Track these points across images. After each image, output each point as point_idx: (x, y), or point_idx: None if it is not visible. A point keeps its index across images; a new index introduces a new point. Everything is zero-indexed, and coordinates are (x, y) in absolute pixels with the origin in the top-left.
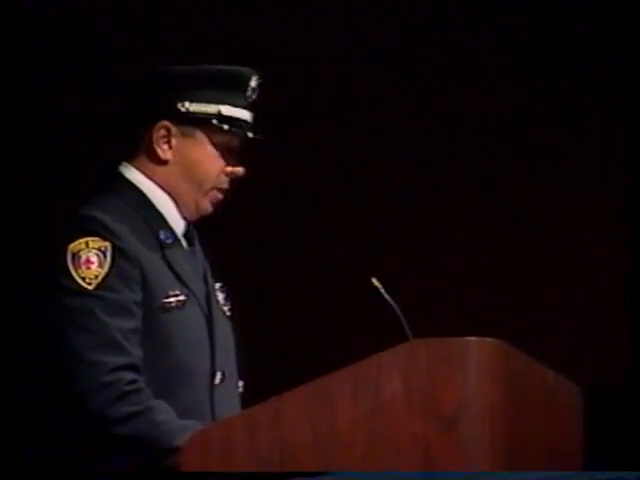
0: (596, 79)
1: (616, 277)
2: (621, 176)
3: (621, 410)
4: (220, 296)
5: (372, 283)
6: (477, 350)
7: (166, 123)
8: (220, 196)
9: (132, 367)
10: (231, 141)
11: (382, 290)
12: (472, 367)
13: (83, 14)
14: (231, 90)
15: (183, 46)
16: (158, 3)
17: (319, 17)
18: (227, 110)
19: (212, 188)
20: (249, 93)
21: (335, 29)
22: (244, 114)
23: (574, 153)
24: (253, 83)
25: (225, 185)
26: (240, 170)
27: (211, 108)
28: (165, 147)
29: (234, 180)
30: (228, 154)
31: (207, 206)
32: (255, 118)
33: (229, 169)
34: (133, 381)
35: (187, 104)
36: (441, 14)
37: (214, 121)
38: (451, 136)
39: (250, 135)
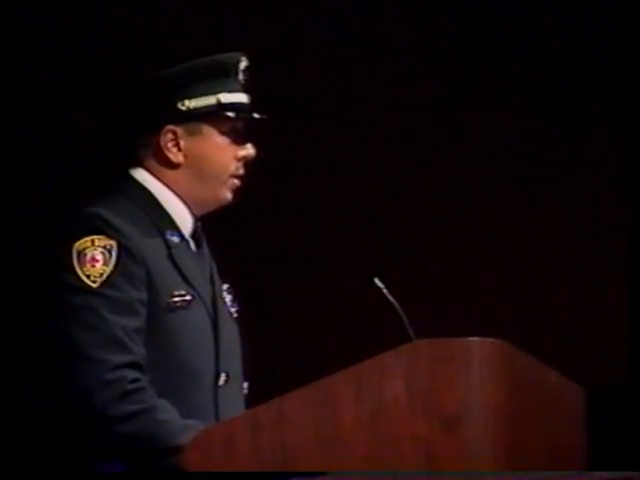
0: (597, 86)
1: (617, 277)
2: (621, 176)
3: (624, 410)
4: (227, 297)
5: (374, 283)
6: (479, 350)
7: (171, 127)
8: (238, 183)
9: (135, 365)
10: (237, 125)
11: (384, 290)
12: (475, 367)
13: (85, 19)
14: (224, 77)
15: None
16: (163, 11)
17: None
18: (225, 97)
19: (229, 177)
20: (241, 76)
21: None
22: (241, 97)
23: (575, 154)
24: (242, 65)
25: (241, 171)
26: (251, 150)
27: (210, 99)
28: (175, 150)
29: (248, 164)
30: (237, 138)
31: (227, 195)
32: (252, 99)
33: (241, 153)
34: (136, 379)
35: (187, 102)
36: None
37: (215, 112)
38: (451, 138)
39: (257, 116)
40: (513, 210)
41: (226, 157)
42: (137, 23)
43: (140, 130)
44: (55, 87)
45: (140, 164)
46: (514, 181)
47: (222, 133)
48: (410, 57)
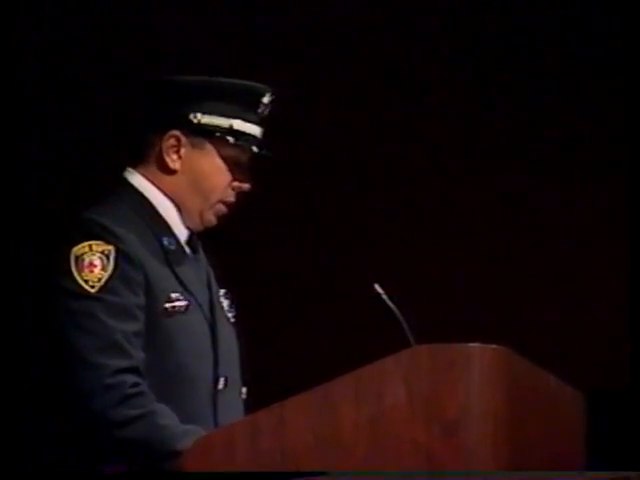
0: (596, 84)
1: (617, 281)
2: (621, 178)
3: (623, 415)
4: (225, 302)
5: (374, 289)
6: (479, 356)
7: (176, 133)
8: (225, 209)
9: (134, 370)
10: (240, 156)
11: (384, 296)
12: (475, 373)
13: (88, 19)
14: (244, 105)
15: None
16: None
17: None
18: (238, 125)
19: (218, 201)
20: (261, 109)
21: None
22: (254, 129)
23: (574, 157)
24: (266, 99)
25: (231, 199)
26: (247, 186)
27: (223, 121)
28: (174, 157)
29: (240, 194)
30: (236, 168)
31: (211, 219)
32: (264, 134)
33: (236, 184)
34: (135, 384)
35: (199, 115)
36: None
37: (223, 135)
38: (451, 142)
39: (255, 150)
40: (512, 213)
41: (220, 180)
42: (137, 25)
43: (149, 128)
44: (53, 90)
45: (139, 165)
46: (513, 185)
47: (222, 157)
48: (412, 71)
